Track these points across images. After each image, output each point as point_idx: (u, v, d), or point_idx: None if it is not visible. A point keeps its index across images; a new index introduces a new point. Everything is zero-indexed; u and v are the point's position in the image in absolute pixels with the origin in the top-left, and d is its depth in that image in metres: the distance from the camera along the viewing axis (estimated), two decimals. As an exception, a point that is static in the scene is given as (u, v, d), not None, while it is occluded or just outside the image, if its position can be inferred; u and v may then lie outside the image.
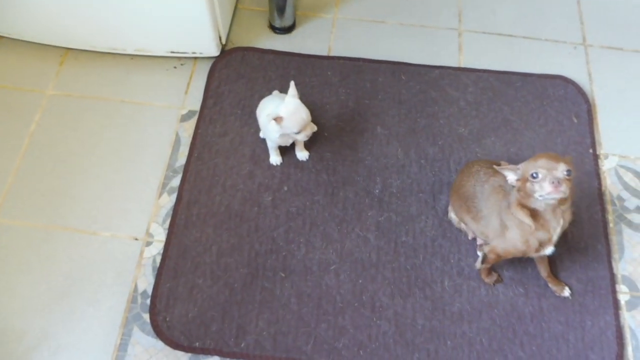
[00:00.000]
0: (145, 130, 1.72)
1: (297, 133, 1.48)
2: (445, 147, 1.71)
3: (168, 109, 1.76)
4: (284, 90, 1.73)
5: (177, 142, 1.70)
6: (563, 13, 2.03)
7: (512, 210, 1.32)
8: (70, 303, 1.46)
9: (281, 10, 1.83)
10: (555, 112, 1.79)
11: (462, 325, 1.46)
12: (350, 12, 1.99)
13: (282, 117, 1.45)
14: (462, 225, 1.55)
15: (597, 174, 1.69)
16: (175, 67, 1.84)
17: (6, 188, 1.61)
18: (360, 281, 1.50)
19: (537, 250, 1.33)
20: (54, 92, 1.78)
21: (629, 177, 1.71)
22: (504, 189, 1.39)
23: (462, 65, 1.89)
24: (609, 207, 1.65)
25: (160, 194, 1.62)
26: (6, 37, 1.85)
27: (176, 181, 1.63)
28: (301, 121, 1.46)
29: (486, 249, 1.42)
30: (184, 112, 1.76)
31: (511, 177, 1.31)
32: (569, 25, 2.00)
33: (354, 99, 1.79)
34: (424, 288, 1.50)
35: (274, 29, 1.91)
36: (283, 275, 1.50)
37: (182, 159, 1.67)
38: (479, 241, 1.53)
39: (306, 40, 1.91)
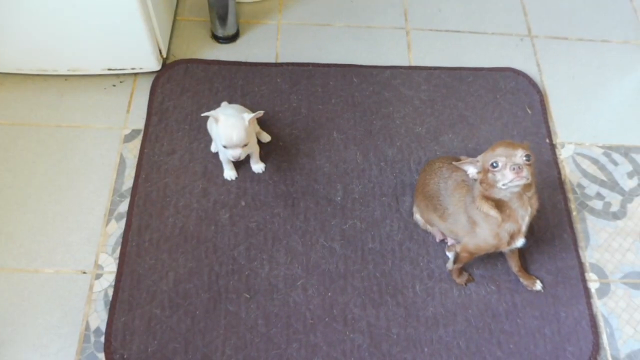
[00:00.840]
0: (86, 155, 1.60)
1: (225, 147, 1.40)
2: (403, 148, 1.67)
3: (109, 130, 1.65)
4: (232, 101, 1.66)
5: (122, 164, 1.59)
6: (507, 6, 2.04)
7: (476, 204, 1.29)
8: (12, 352, 1.32)
9: (223, 19, 1.75)
10: (508, 104, 1.78)
11: (437, 330, 1.41)
12: (295, 17, 1.93)
13: (220, 120, 1.37)
14: (429, 227, 1.51)
15: (555, 163, 1.69)
16: (114, 85, 1.72)
17: None
18: (329, 294, 1.43)
19: (509, 243, 1.30)
20: (-20, 121, 1.64)
21: (586, 164, 1.71)
22: (467, 183, 1.36)
23: (413, 64, 1.86)
24: (571, 196, 1.65)
25: (108, 222, 1.50)
26: None
27: (124, 206, 1.52)
28: (228, 138, 1.37)
29: (458, 247, 1.38)
30: (127, 132, 1.65)
31: (471, 170, 1.28)
32: (514, 18, 2.01)
33: (307, 105, 1.72)
34: (396, 295, 1.44)
35: (217, 38, 1.83)
36: (247, 296, 1.41)
37: (128, 182, 1.56)
38: (450, 242, 1.49)
39: (252, 48, 1.83)
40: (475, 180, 1.29)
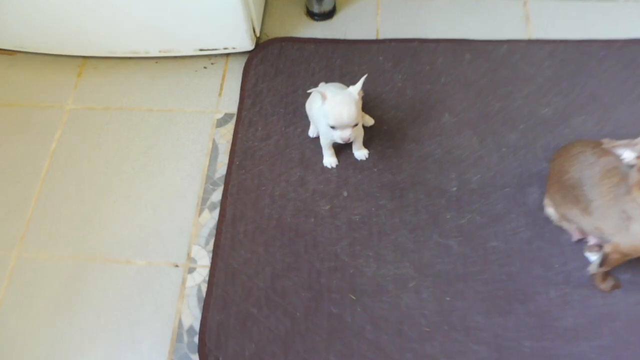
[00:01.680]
0: (178, 140, 1.50)
1: (333, 128, 1.24)
2: (527, 132, 1.45)
3: (201, 114, 1.54)
4: (330, 81, 1.50)
5: (215, 150, 1.48)
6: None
7: (633, 195, 1.06)
8: (103, 345, 1.23)
9: (320, -6, 1.61)
10: (652, 81, 1.51)
11: (578, 344, 1.18)
12: (396, -9, 1.75)
13: (327, 96, 1.22)
14: (564, 223, 1.28)
15: None
16: (205, 67, 1.63)
17: (27, 217, 1.41)
18: (447, 299, 1.24)
19: None
20: (73, 106, 1.58)
21: None
22: (620, 170, 1.12)
23: (533, 37, 1.63)
24: None
25: (201, 212, 1.39)
26: (19, 52, 1.67)
27: (217, 195, 1.41)
28: (338, 117, 1.21)
29: (607, 248, 1.15)
30: (220, 116, 1.54)
31: (628, 154, 1.05)
32: (652, -18, 1.72)
33: (412, 85, 1.54)
34: (526, 302, 1.23)
35: (312, 15, 1.69)
36: (353, 297, 1.25)
37: (221, 170, 1.45)
38: (591, 241, 1.25)
39: (350, 25, 1.68)
40: (633, 166, 1.06)
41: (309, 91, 1.28)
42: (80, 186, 1.45)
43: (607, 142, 1.28)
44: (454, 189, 1.37)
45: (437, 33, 1.64)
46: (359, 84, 1.24)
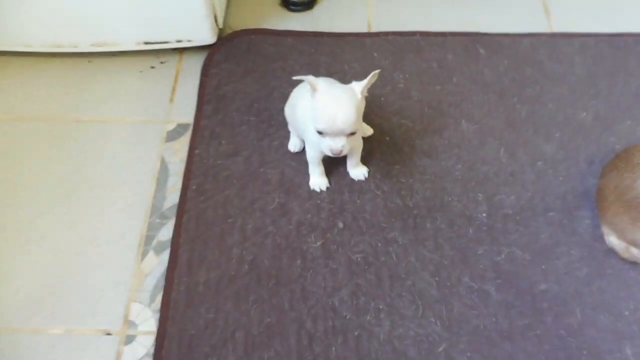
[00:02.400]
0: (114, 160, 1.13)
1: (321, 134, 0.91)
2: (565, 142, 1.15)
3: (146, 125, 1.18)
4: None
5: (164, 171, 1.11)
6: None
7: None
8: None
9: (298, -23, 1.29)
10: (703, 79, 1.25)
11: None
12: (388, -20, 1.46)
13: (318, 89, 0.89)
14: (634, 252, 0.97)
15: None
16: (152, 67, 1.27)
17: None
18: (492, 367, 0.89)
19: None
20: (-26, 118, 1.19)
21: None
22: None
23: (556, 31, 1.35)
24: None
25: (143, 255, 1.01)
26: None
27: (167, 232, 1.03)
28: (330, 118, 0.88)
29: None
30: (171, 127, 1.18)
31: None
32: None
33: (418, 86, 1.23)
34: (598, 367, 0.90)
35: (288, 4, 1.36)
36: (362, 371, 0.89)
37: (173, 197, 1.08)
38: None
39: (334, 16, 1.36)
40: None
41: (295, 78, 0.94)
42: (-24, 224, 1.05)
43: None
44: (484, 215, 1.05)
45: (443, 25, 1.35)
46: (366, 81, 0.91)
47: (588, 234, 1.03)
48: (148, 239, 1.03)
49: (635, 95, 1.22)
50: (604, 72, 1.27)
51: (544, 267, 0.99)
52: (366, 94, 0.94)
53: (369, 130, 1.14)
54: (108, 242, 1.02)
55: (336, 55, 1.27)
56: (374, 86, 1.17)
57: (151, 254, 1.01)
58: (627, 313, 0.95)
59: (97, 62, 1.27)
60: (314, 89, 0.89)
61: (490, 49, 1.29)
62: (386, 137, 1.15)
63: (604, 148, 1.14)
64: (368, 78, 0.91)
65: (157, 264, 1.00)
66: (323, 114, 0.88)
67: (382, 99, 1.20)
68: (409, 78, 1.24)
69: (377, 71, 0.91)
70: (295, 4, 1.36)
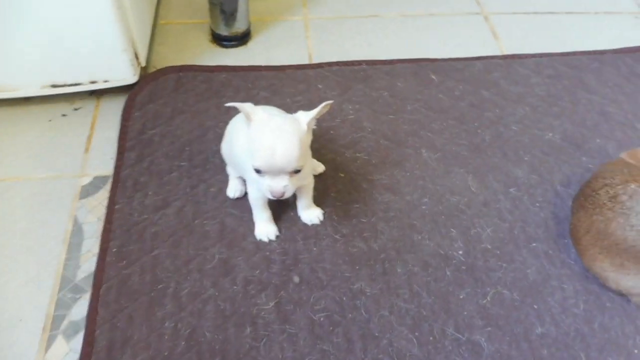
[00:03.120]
0: (15, 225, 0.92)
1: (259, 173, 0.76)
2: (536, 164, 1.04)
3: (56, 180, 0.99)
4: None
5: (77, 234, 0.91)
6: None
7: None
8: None
9: (230, 12, 1.17)
10: (662, 92, 1.20)
11: None
12: (326, 11, 1.36)
13: (254, 119, 0.74)
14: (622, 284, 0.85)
15: None
16: (64, 115, 1.09)
17: None
18: None
19: None
20: None
21: None
22: None
23: (507, 52, 1.28)
24: None
25: (49, 343, 0.79)
26: None
27: (80, 309, 0.83)
28: (268, 154, 0.73)
29: None
30: (87, 181, 0.99)
31: None
32: (617, -8, 1.49)
33: (370, 116, 1.10)
34: (619, 423, 0.74)
35: (220, 40, 1.24)
36: None
37: (88, 265, 0.88)
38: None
39: (272, 50, 1.24)
40: None
41: (228, 105, 0.79)
42: None
43: (629, 155, 0.90)
44: (460, 252, 0.90)
45: (390, 53, 1.25)
46: (315, 111, 0.77)
47: (579, 263, 0.90)
48: (56, 320, 0.82)
49: (600, 113, 1.15)
50: (563, 91, 1.19)
51: (536, 307, 0.85)
52: (314, 127, 0.80)
53: (319, 167, 1.00)
54: (3, 327, 0.80)
55: (276, 89, 1.14)
56: (322, 119, 1.05)
57: (60, 340, 0.80)
58: (636, 351, 0.81)
59: (-3, 112, 1.08)
60: (249, 119, 0.74)
61: (442, 74, 1.20)
62: (340, 174, 1.00)
63: (578, 168, 1.04)
64: (318, 108, 0.77)
65: (67, 352, 0.78)
66: (260, 148, 0.73)
67: (332, 132, 1.07)
68: (359, 108, 1.12)
69: (329, 102, 0.77)
70: (227, 39, 1.23)
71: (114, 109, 1.10)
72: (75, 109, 1.10)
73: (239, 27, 1.22)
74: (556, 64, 1.25)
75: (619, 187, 0.82)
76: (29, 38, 0.96)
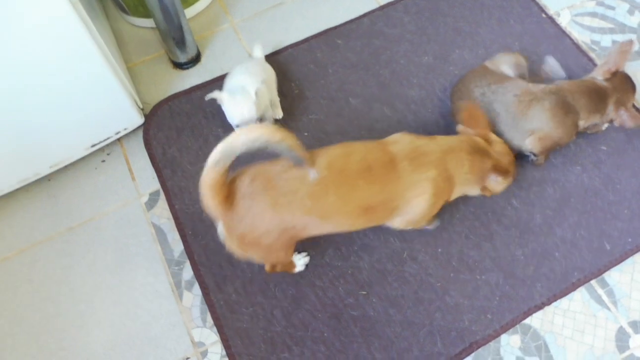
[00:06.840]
0: (117, 243, 1.40)
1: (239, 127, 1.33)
2: (422, 83, 1.57)
3: (125, 206, 1.45)
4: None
5: (160, 232, 1.40)
6: None
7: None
8: None
9: (181, 42, 1.58)
10: (492, 0, 1.72)
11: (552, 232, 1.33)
12: (244, 12, 1.78)
13: (224, 100, 1.31)
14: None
15: (562, 32, 1.65)
16: (103, 161, 1.52)
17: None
18: (442, 251, 1.32)
19: None
20: (-19, 265, 1.40)
21: (588, 21, 1.69)
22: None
23: (383, 3, 1.76)
24: (593, 55, 1.61)
25: (180, 296, 1.32)
26: None
27: (187, 272, 1.35)
28: (239, 117, 1.31)
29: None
30: (145, 199, 1.46)
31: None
32: None
33: (308, 85, 1.59)
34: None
35: (179, 66, 1.66)
36: (363, 292, 1.28)
37: (177, 247, 1.38)
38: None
39: (220, 60, 1.68)
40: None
41: (207, 97, 1.32)
42: (35, 329, 1.29)
43: (491, 64, 1.44)
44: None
45: (303, 33, 1.71)
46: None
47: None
48: (177, 284, 1.33)
49: (454, 30, 1.67)
50: (427, 21, 1.70)
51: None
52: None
53: (279, 113, 1.51)
54: (149, 300, 1.32)
55: (238, 89, 1.60)
56: (281, 93, 1.53)
57: (185, 293, 1.32)
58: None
59: (55, 178, 1.49)
60: (221, 101, 1.31)
61: (344, 37, 1.68)
62: (305, 133, 1.51)
63: (449, 76, 1.58)
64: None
65: (193, 296, 1.31)
66: (233, 115, 1.31)
67: (290, 104, 1.55)
68: (299, 84, 1.60)
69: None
70: (185, 64, 1.65)
71: (135, 145, 1.53)
72: (108, 154, 1.53)
73: (191, 52, 1.64)
74: (418, 1, 1.74)
75: (485, 87, 1.36)
76: (70, 124, 1.37)
